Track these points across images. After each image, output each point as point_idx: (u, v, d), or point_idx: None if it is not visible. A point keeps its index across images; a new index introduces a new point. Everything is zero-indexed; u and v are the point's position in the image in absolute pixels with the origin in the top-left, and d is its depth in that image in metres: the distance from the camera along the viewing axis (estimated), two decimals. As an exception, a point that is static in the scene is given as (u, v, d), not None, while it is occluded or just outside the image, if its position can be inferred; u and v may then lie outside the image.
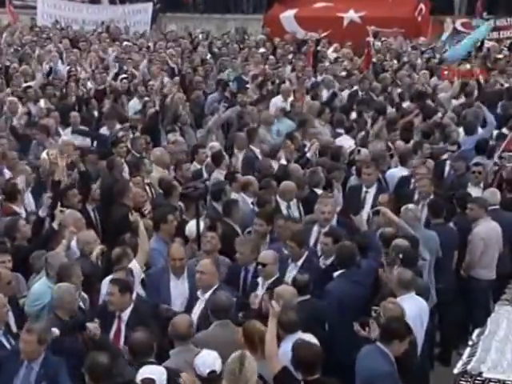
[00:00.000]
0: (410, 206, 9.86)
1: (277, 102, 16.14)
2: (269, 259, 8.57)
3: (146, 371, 6.41)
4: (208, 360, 6.50)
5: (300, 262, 8.90)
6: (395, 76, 18.18)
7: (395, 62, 20.53)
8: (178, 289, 8.75)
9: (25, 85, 16.43)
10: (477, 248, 10.06)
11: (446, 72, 18.11)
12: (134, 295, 8.08)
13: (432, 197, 10.57)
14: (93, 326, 7.40)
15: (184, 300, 8.69)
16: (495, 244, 10.15)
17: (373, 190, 11.13)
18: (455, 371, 7.20)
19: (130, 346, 7.03)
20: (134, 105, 16.04)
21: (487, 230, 10.08)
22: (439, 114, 14.68)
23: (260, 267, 8.55)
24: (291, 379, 6.67)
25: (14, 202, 10.44)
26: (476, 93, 16.52)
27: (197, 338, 7.40)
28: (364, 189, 11.17)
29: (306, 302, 8.06)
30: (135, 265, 8.62)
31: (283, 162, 12.30)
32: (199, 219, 9.53)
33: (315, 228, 9.92)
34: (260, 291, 8.42)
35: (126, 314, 7.89)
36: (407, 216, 9.66)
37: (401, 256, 8.49)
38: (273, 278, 8.50)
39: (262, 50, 22.26)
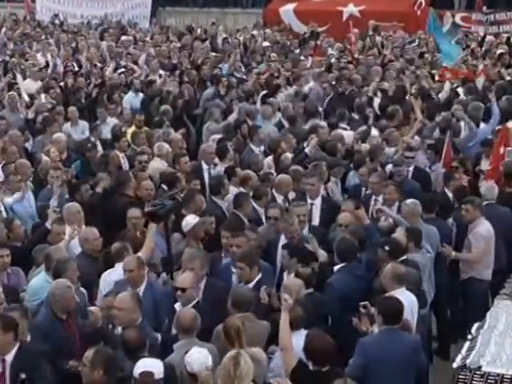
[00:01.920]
0: (409, 201, 9.81)
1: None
2: (188, 283, 7.83)
3: (144, 364, 6.38)
4: (199, 358, 6.47)
5: (251, 285, 8.19)
6: (384, 69, 18.04)
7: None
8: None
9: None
10: (479, 248, 9.81)
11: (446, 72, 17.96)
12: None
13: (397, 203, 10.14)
14: (96, 310, 7.31)
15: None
16: (493, 243, 9.99)
17: (318, 202, 10.40)
18: (454, 365, 7.22)
19: (123, 342, 6.93)
20: (130, 98, 15.98)
21: (487, 231, 9.85)
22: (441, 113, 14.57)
23: (179, 292, 7.80)
24: (307, 371, 6.73)
25: None
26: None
27: (218, 330, 7.29)
28: (309, 200, 10.33)
29: (309, 295, 8.04)
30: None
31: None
32: (170, 239, 8.73)
33: (282, 241, 9.26)
34: None
35: (10, 357, 6.78)
36: (407, 211, 9.65)
37: (387, 248, 8.50)
38: (193, 303, 7.73)
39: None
